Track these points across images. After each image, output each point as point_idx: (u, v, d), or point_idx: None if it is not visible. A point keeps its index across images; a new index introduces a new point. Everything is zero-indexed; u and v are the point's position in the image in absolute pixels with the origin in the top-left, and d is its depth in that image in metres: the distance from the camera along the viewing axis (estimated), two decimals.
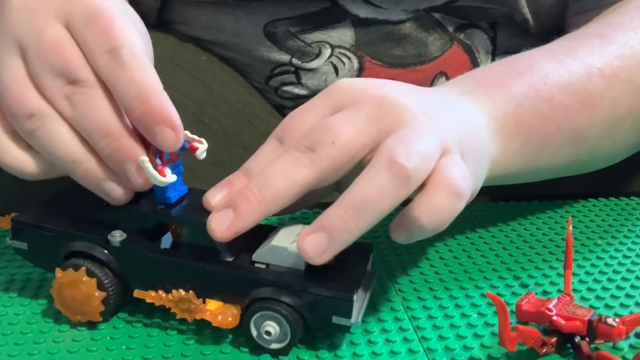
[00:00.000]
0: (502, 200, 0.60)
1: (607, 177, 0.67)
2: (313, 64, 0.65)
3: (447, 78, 0.67)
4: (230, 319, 0.37)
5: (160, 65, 0.65)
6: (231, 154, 0.66)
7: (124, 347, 0.38)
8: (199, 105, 0.65)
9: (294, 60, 0.65)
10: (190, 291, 0.37)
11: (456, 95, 0.45)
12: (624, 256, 0.50)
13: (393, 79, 0.57)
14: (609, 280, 0.46)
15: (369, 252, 0.41)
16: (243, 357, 0.37)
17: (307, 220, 0.42)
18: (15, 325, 0.39)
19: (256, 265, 0.38)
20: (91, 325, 0.39)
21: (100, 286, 0.38)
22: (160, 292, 0.38)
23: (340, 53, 0.65)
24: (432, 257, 0.49)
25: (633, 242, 0.52)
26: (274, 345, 0.37)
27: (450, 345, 0.38)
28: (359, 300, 0.37)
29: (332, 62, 0.65)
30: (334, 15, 0.64)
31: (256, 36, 0.65)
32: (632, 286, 0.45)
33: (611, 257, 0.49)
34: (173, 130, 0.37)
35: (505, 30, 0.67)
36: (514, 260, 0.49)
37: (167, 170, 0.38)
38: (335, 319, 0.36)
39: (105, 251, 0.39)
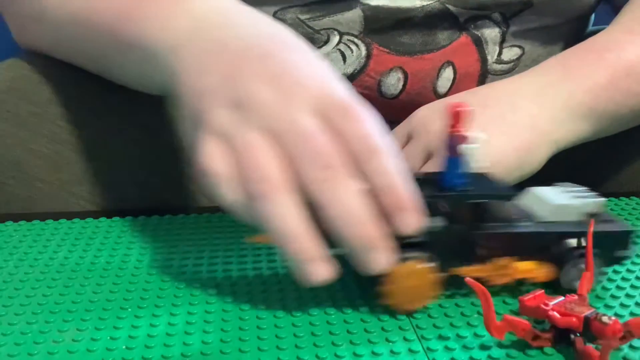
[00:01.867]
0: None
1: (607, 177, 0.67)
2: (321, 51, 0.65)
3: (454, 68, 0.67)
4: (546, 271, 0.42)
5: None
6: None
7: (124, 347, 0.38)
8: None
9: None
10: (507, 257, 0.42)
11: (531, 91, 0.58)
12: None
13: (400, 67, 0.65)
14: (609, 280, 0.46)
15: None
16: (244, 357, 0.37)
17: None
18: (15, 325, 0.39)
19: (548, 223, 0.43)
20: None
21: (432, 270, 0.41)
22: (478, 265, 0.42)
23: (348, 40, 0.65)
24: None
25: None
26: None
27: (450, 345, 0.38)
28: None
29: (339, 49, 0.65)
30: (345, 3, 0.64)
31: None
32: (632, 286, 0.45)
33: None
34: (414, 216, 0.39)
35: (517, 24, 0.68)
36: None
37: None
38: (618, 252, 0.44)
39: (429, 237, 0.41)
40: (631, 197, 0.61)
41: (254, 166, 0.39)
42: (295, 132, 0.39)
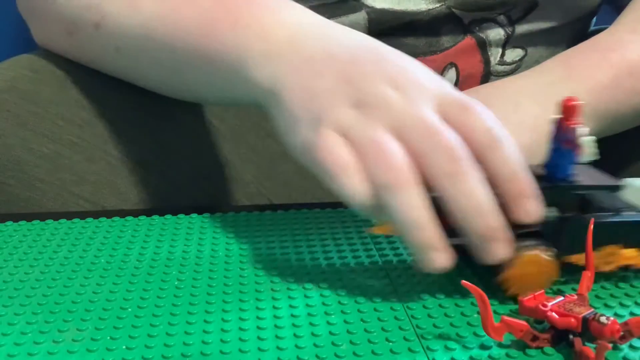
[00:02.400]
0: None
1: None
2: None
3: (457, 69, 0.67)
4: None
5: None
6: (239, 155, 0.66)
7: (124, 347, 0.38)
8: (207, 107, 0.65)
9: None
10: (616, 245, 0.43)
11: (534, 90, 0.57)
12: None
13: None
14: (609, 279, 0.46)
15: None
16: (244, 357, 0.37)
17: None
18: (15, 325, 0.39)
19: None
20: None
21: (551, 258, 0.42)
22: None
23: None
24: None
25: None
26: None
27: (450, 345, 0.38)
28: None
29: None
30: (349, 5, 0.64)
31: None
32: (632, 285, 0.45)
33: None
34: (537, 204, 0.41)
35: (523, 26, 0.68)
36: None
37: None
38: None
39: (544, 226, 0.42)
40: None
41: (384, 158, 0.40)
42: (422, 128, 0.41)
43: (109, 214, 0.56)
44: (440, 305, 0.42)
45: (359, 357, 0.37)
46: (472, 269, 0.45)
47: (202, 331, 0.39)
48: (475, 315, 0.41)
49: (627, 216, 0.44)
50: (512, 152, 0.41)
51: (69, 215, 0.55)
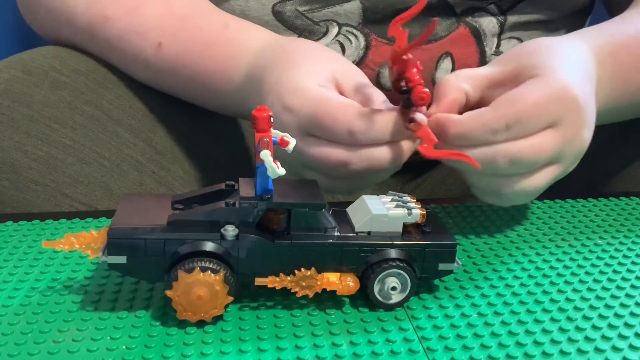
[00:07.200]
0: None
1: (607, 177, 0.67)
2: (320, 43, 0.65)
3: (453, 58, 0.67)
4: (352, 284, 0.41)
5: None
6: (232, 157, 0.66)
7: (124, 347, 0.38)
8: (198, 108, 0.65)
9: None
10: (312, 268, 0.40)
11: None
12: (624, 256, 0.50)
13: None
14: (609, 280, 0.46)
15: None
16: (244, 357, 0.37)
17: None
18: (15, 325, 0.39)
19: (359, 234, 0.42)
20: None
21: (226, 281, 0.39)
22: (282, 275, 0.40)
23: (347, 31, 0.65)
24: None
25: (633, 242, 0.52)
26: (395, 299, 0.42)
27: (450, 345, 0.38)
28: None
29: (339, 41, 0.65)
30: None
31: (264, 16, 0.65)
32: (632, 286, 0.45)
33: (611, 257, 0.49)
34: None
35: (514, 16, 0.68)
36: (514, 261, 0.49)
37: (279, 164, 0.39)
38: (442, 266, 0.42)
39: (223, 247, 0.40)
40: (631, 197, 0.61)
41: None
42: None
43: (109, 213, 0.56)
44: (440, 306, 0.42)
45: (359, 357, 0.37)
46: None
47: (201, 331, 0.39)
48: (475, 315, 0.41)
49: (324, 238, 0.41)
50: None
51: (69, 215, 0.55)
